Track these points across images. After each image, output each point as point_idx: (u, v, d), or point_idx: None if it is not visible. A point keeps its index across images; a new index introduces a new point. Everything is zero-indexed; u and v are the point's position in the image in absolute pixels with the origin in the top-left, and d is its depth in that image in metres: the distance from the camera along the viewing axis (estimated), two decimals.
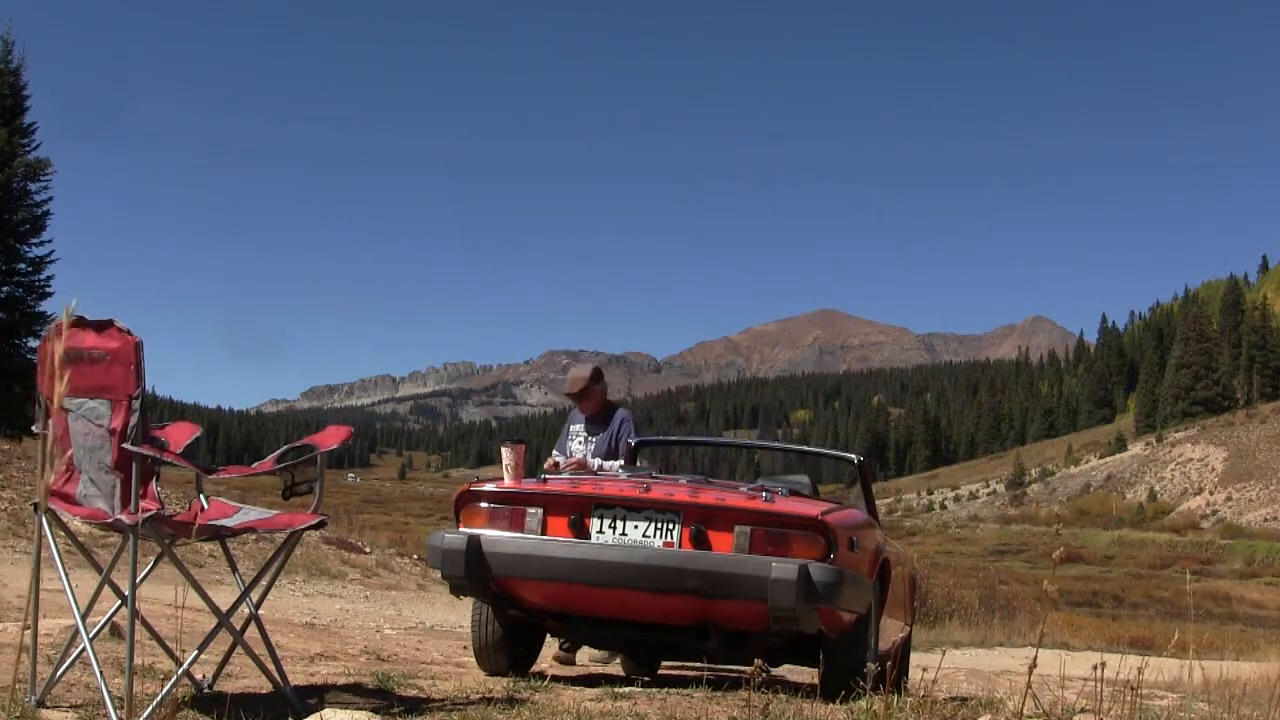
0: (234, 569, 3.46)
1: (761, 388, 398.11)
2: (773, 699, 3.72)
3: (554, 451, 6.68)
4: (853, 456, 6.11)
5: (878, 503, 5.94)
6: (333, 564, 15.16)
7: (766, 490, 4.40)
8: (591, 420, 6.58)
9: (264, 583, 3.30)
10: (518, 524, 4.33)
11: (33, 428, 3.18)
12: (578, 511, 4.27)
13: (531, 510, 4.32)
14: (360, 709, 3.16)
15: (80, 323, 2.92)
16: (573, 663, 6.16)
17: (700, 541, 4.15)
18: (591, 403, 6.53)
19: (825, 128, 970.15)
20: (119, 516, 2.85)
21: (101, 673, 2.82)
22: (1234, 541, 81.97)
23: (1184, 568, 61.53)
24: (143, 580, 2.98)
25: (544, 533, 4.29)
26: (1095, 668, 3.00)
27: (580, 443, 6.56)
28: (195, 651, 3.06)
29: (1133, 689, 3.19)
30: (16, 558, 11.24)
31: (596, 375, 6.61)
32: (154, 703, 2.80)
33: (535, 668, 4.96)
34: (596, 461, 6.40)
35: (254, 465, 3.39)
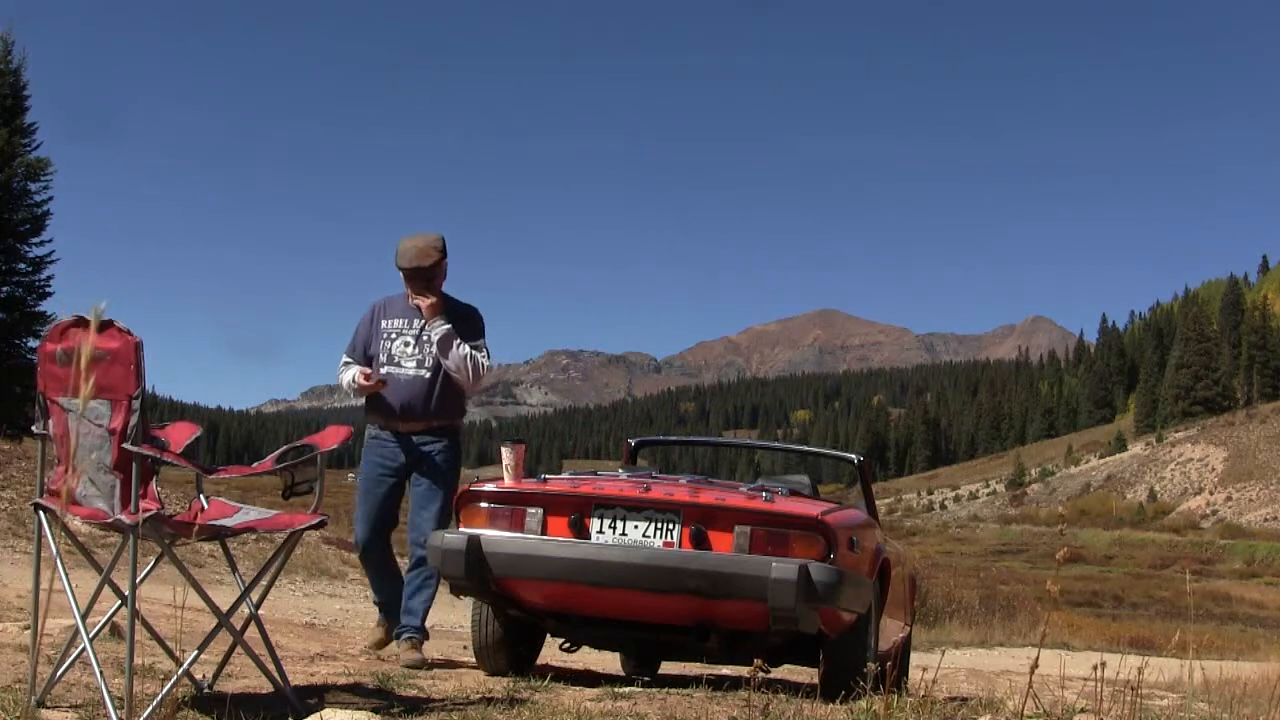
0: (234, 569, 3.46)
1: (761, 388, 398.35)
2: (773, 699, 3.72)
3: (344, 361, 5.23)
4: (853, 456, 6.11)
5: (878, 503, 5.93)
6: (333, 564, 15.17)
7: (766, 490, 4.40)
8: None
9: (264, 583, 3.30)
10: (518, 524, 4.33)
11: (33, 428, 3.18)
12: (578, 511, 4.27)
13: (531, 510, 4.32)
14: (360, 709, 3.16)
15: (80, 323, 2.92)
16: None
17: (700, 541, 4.15)
18: (438, 283, 5.13)
19: (825, 127, 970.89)
20: (119, 516, 2.85)
21: (101, 673, 2.82)
22: (1234, 541, 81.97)
23: (1184, 568, 61.47)
24: (143, 580, 2.98)
25: (544, 533, 4.29)
26: (1095, 668, 3.00)
27: (409, 343, 5.13)
28: (195, 651, 3.06)
29: (1133, 689, 3.19)
30: (16, 558, 11.25)
31: (445, 246, 5.12)
32: (154, 703, 2.80)
33: (535, 667, 4.95)
34: (463, 348, 5.06)
35: (254, 465, 3.39)
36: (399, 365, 5.12)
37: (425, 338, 5.09)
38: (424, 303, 5.09)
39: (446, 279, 5.18)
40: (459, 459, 5.24)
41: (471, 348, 5.12)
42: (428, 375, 5.09)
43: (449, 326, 5.09)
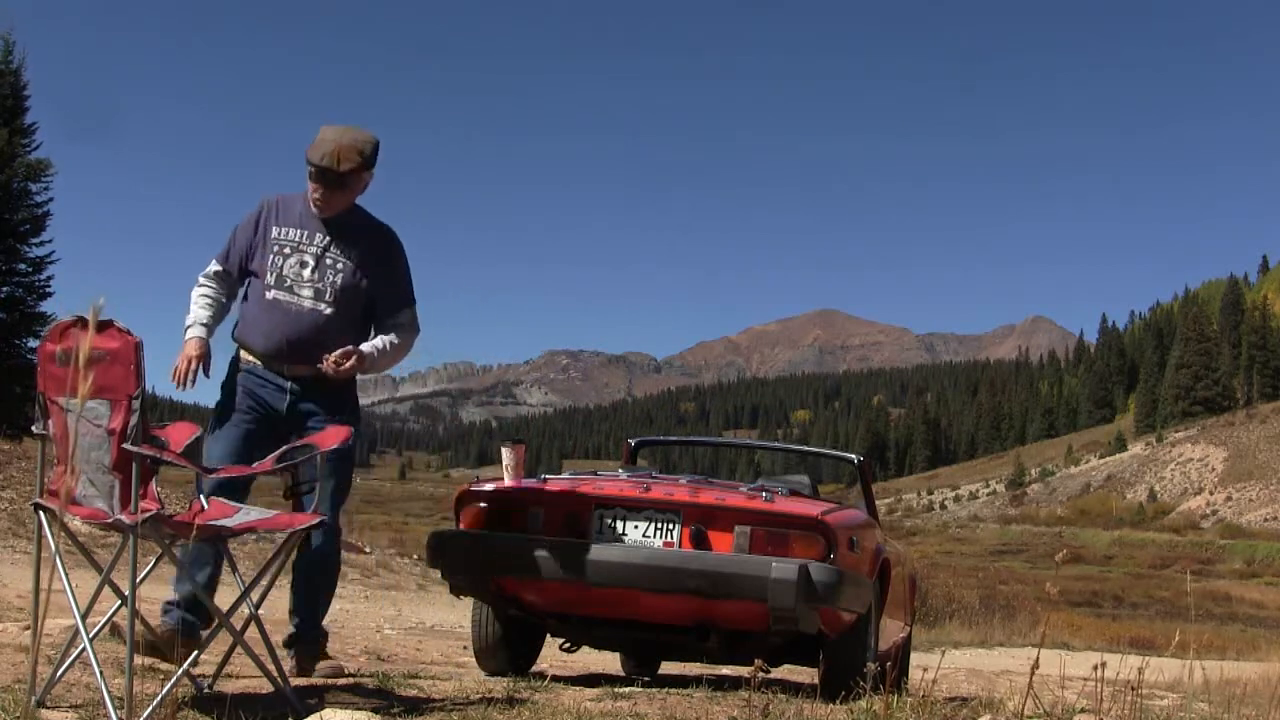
0: (234, 569, 3.45)
1: (761, 388, 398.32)
2: (773, 699, 3.71)
3: (214, 270, 4.06)
4: (853, 457, 6.10)
5: (878, 503, 5.93)
6: None
7: (766, 490, 4.40)
8: (333, 228, 4.01)
9: (264, 583, 3.29)
10: (518, 524, 4.33)
11: (33, 428, 3.18)
12: (578, 511, 4.27)
13: (531, 510, 4.32)
14: (360, 709, 3.16)
15: (80, 323, 2.92)
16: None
17: (700, 541, 4.15)
18: (350, 196, 4.00)
19: (825, 128, 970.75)
20: (119, 516, 2.85)
21: (101, 673, 2.82)
22: (1234, 541, 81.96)
23: (1184, 568, 61.56)
24: (143, 580, 2.98)
25: (544, 533, 4.29)
26: (1095, 668, 3.00)
27: (307, 264, 3.98)
28: (195, 651, 3.06)
29: (1133, 689, 3.19)
30: (16, 558, 11.24)
31: (375, 154, 3.99)
32: (154, 703, 2.80)
33: (535, 667, 4.95)
34: (379, 341, 4.05)
35: (254, 465, 3.39)
36: (292, 292, 3.97)
37: (330, 262, 3.99)
38: (332, 366, 3.91)
39: (364, 194, 4.07)
40: (358, 427, 4.13)
41: (391, 325, 4.09)
42: (328, 312, 3.97)
43: (357, 367, 3.99)
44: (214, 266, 4.09)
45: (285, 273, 3.97)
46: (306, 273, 3.98)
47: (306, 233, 4.01)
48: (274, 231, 4.01)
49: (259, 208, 4.08)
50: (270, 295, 3.98)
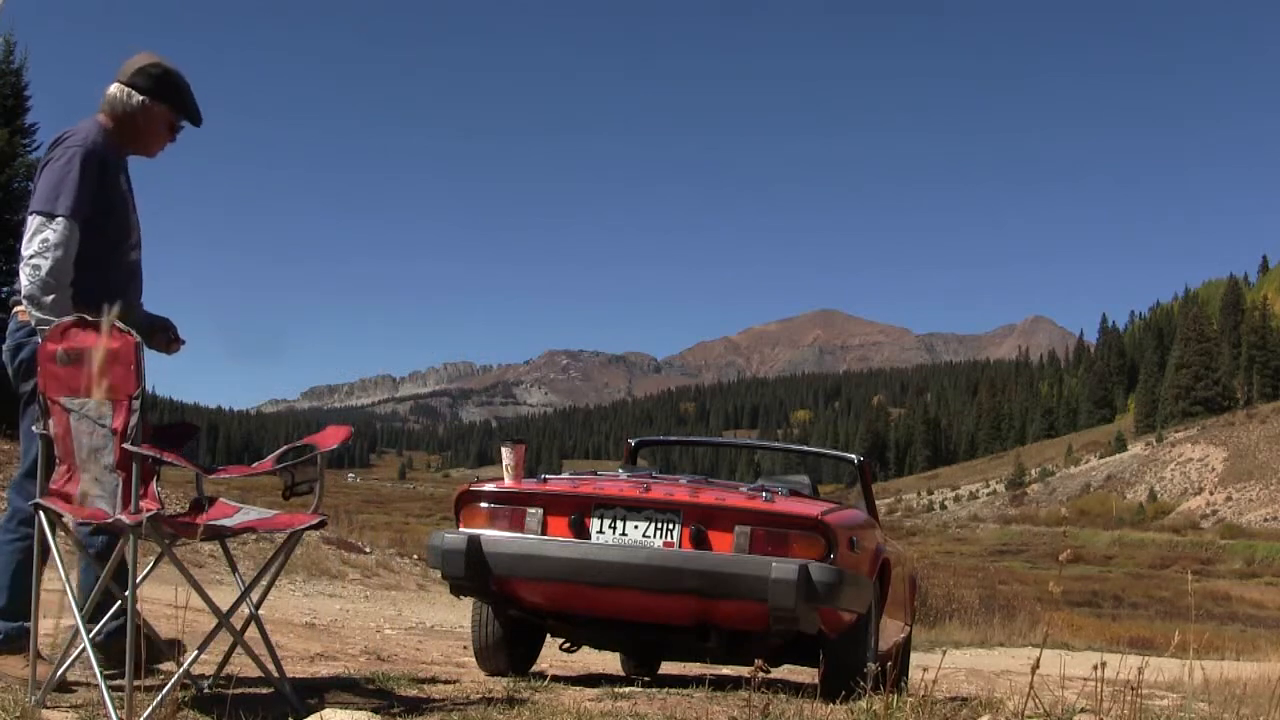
0: (234, 569, 3.45)
1: (761, 388, 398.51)
2: (773, 699, 3.71)
3: (71, 228, 3.30)
4: (853, 457, 6.10)
5: (878, 503, 5.93)
6: (333, 564, 15.14)
7: (766, 490, 4.40)
8: (125, 167, 3.65)
9: (264, 583, 3.29)
10: (518, 524, 4.33)
11: (33, 427, 3.18)
12: (578, 511, 4.27)
13: (531, 510, 4.32)
14: (360, 709, 3.16)
15: (81, 323, 2.92)
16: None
17: (700, 541, 4.15)
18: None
19: (824, 127, 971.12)
20: (119, 516, 2.85)
21: (102, 672, 2.82)
22: (1234, 541, 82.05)
23: (1184, 568, 61.56)
24: (143, 580, 2.98)
25: (544, 533, 4.30)
26: (1095, 668, 3.00)
27: (135, 209, 3.65)
28: (195, 651, 3.06)
29: (1133, 689, 3.19)
30: None
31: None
32: (154, 703, 2.80)
33: (535, 667, 4.95)
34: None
35: (254, 465, 3.38)
36: (139, 247, 3.66)
37: (134, 204, 3.64)
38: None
39: None
40: None
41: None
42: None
43: None
44: (70, 226, 3.32)
45: (138, 229, 3.64)
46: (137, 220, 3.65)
47: (125, 177, 3.61)
48: (121, 181, 3.56)
49: (89, 146, 3.41)
50: (135, 256, 3.63)
